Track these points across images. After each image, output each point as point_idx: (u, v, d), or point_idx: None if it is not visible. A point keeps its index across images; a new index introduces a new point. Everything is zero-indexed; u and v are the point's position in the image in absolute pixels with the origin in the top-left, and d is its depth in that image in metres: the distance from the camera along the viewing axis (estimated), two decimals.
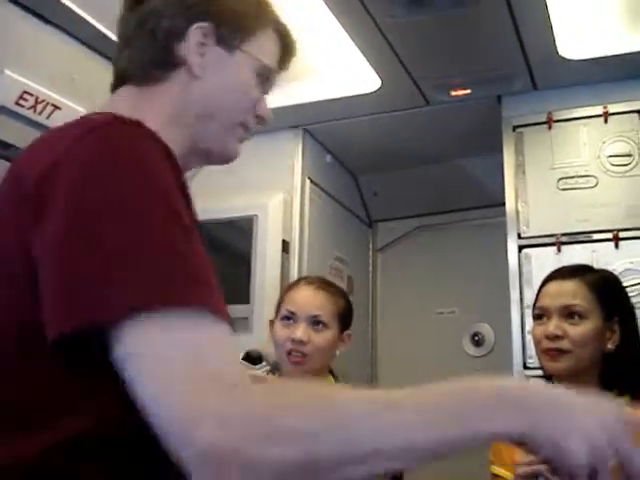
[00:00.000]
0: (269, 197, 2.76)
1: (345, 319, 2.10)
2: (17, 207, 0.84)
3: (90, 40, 2.28)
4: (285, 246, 2.74)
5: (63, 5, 2.08)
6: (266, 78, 1.18)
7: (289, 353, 2.00)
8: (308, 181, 2.95)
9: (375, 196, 3.60)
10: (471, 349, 3.49)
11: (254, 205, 2.74)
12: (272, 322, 2.11)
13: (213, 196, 2.85)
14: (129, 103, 1.09)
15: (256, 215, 2.71)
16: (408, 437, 0.75)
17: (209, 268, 0.84)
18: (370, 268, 3.70)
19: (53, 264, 0.78)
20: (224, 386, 0.73)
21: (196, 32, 1.08)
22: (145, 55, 1.11)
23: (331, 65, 2.57)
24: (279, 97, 2.65)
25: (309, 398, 0.76)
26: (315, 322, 2.02)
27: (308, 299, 2.05)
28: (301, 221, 2.86)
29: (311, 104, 2.72)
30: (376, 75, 2.52)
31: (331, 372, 2.17)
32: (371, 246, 3.74)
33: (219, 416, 0.70)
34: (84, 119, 0.93)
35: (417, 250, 3.68)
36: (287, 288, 2.16)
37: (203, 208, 2.90)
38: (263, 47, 1.16)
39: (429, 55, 2.45)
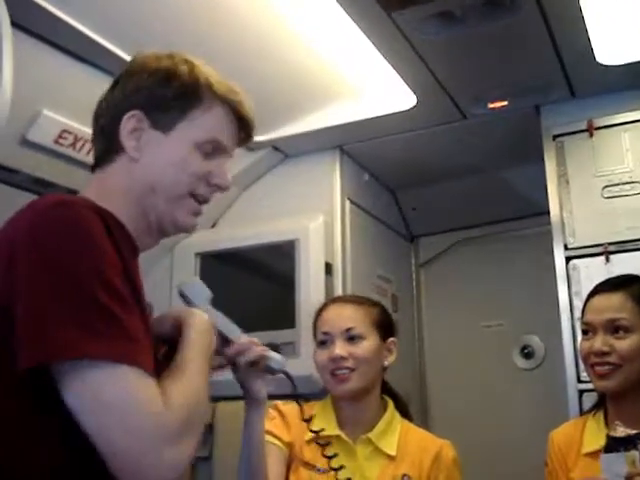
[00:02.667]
0: (310, 220, 2.75)
1: (384, 326, 2.05)
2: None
3: None
4: (328, 268, 2.72)
5: (98, 44, 2.10)
6: (215, 150, 1.28)
7: (333, 374, 1.97)
8: (348, 201, 2.94)
9: (414, 211, 3.57)
10: (521, 362, 3.43)
11: (295, 229, 2.73)
12: (315, 352, 2.09)
13: (254, 221, 2.87)
14: (92, 189, 1.26)
15: (297, 239, 2.70)
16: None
17: (139, 328, 1.05)
18: (414, 284, 3.67)
19: (21, 310, 0.99)
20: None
21: (129, 120, 1.23)
22: (99, 146, 1.30)
23: (366, 85, 2.56)
24: (316, 119, 2.69)
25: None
26: (350, 336, 1.98)
27: (338, 315, 2.03)
28: (343, 242, 2.85)
29: (347, 125, 2.71)
30: (412, 93, 2.50)
31: (389, 390, 2.13)
32: (413, 262, 3.71)
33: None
34: (40, 200, 1.10)
35: (460, 263, 3.64)
36: (316, 314, 2.12)
37: (245, 234, 2.94)
38: (204, 123, 1.27)
39: (464, 70, 2.43)
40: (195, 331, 1.24)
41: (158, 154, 1.25)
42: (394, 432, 1.99)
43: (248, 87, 2.39)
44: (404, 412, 2.10)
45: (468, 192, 3.35)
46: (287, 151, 2.97)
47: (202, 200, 1.30)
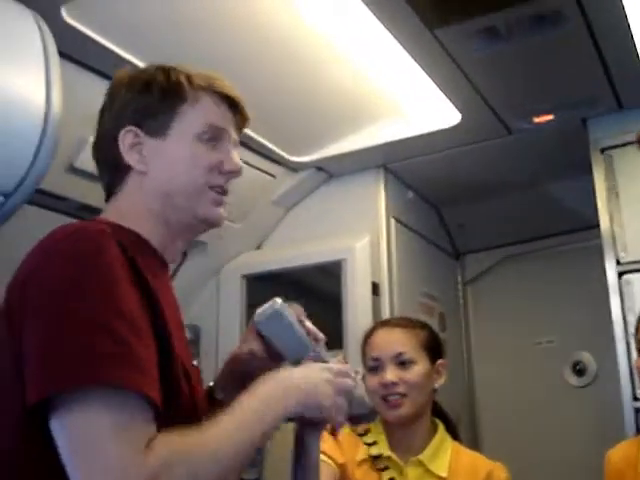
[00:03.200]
0: (355, 239, 2.74)
1: (433, 349, 2.02)
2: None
3: None
4: (375, 288, 2.70)
5: None
6: (216, 136, 1.28)
7: (384, 399, 1.95)
8: (393, 220, 2.92)
9: (460, 228, 3.54)
10: (573, 379, 3.36)
11: (341, 249, 2.72)
12: (364, 377, 2.07)
13: (300, 242, 2.87)
14: (110, 215, 1.26)
15: (344, 259, 2.69)
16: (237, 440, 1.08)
17: (148, 355, 1.03)
18: (460, 302, 3.63)
19: (30, 348, 1.01)
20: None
21: (125, 136, 1.25)
22: (105, 176, 1.31)
23: (409, 103, 2.55)
24: (359, 138, 2.69)
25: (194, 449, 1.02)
26: (401, 361, 1.95)
27: (387, 339, 1.99)
28: (389, 261, 2.83)
29: (391, 143, 2.70)
30: (456, 109, 2.49)
31: (439, 411, 2.10)
32: (460, 279, 3.67)
33: None
34: (56, 231, 1.12)
35: (507, 280, 3.59)
36: (365, 338, 2.10)
37: (291, 254, 2.94)
38: (196, 114, 1.27)
39: (509, 85, 2.41)
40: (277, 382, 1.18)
41: (163, 160, 1.27)
42: (445, 454, 1.97)
43: (291, 107, 2.43)
44: (454, 434, 2.08)
45: (514, 208, 3.32)
46: (331, 171, 2.97)
47: (221, 191, 1.30)
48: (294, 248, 2.86)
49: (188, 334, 2.87)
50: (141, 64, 2.09)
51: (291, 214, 3.05)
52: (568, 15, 2.01)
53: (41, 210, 2.32)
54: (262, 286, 2.86)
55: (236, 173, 1.31)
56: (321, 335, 1.39)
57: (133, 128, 1.26)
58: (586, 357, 3.34)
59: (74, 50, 1.97)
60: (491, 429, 3.48)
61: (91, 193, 2.37)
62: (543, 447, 3.26)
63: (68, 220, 2.37)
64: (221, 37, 2.07)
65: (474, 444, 3.41)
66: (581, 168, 2.69)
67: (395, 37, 2.05)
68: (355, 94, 2.45)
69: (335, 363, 1.29)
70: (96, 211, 2.41)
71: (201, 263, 2.83)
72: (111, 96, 1.31)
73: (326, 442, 1.91)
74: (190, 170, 1.26)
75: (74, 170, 2.26)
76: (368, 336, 2.07)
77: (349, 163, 2.87)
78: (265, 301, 2.78)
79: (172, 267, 2.67)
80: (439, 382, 2.02)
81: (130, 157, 1.25)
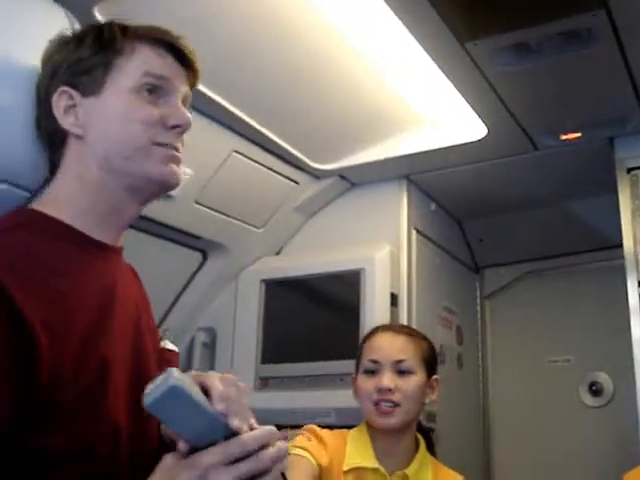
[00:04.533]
0: (376, 249, 2.72)
1: (431, 363, 2.02)
2: None
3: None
4: (393, 299, 2.69)
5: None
6: (156, 88, 1.17)
7: (376, 404, 1.93)
8: (414, 231, 2.91)
9: (481, 242, 3.52)
10: (589, 399, 3.32)
11: (361, 258, 2.71)
12: (354, 379, 2.05)
13: (319, 249, 2.86)
14: (54, 184, 1.18)
15: (363, 268, 2.68)
16: None
17: None
18: (479, 315, 3.60)
19: None
20: None
21: (59, 98, 1.15)
22: (47, 147, 1.21)
23: (435, 115, 2.54)
24: (383, 148, 2.68)
25: None
26: (401, 369, 1.94)
27: (390, 344, 1.98)
28: (409, 273, 2.81)
29: (415, 155, 2.69)
30: (482, 123, 2.47)
31: (420, 427, 2.08)
32: (478, 293, 3.64)
33: None
34: None
35: (527, 296, 3.56)
36: (364, 339, 2.08)
37: (311, 262, 2.93)
38: (132, 65, 1.16)
39: (537, 101, 2.39)
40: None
41: (98, 119, 1.16)
42: (427, 469, 1.97)
43: (317, 114, 2.43)
44: (431, 448, 2.08)
45: (537, 224, 3.29)
46: (354, 180, 2.96)
47: (171, 147, 1.18)
48: (314, 256, 2.86)
49: (205, 337, 2.87)
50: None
51: (312, 221, 3.04)
52: (600, 33, 1.99)
53: None
54: (280, 292, 2.86)
55: (183, 127, 1.19)
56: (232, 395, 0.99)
57: (66, 88, 1.16)
58: (603, 377, 3.30)
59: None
60: (504, 445, 3.44)
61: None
62: (557, 468, 3.22)
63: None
64: (250, 41, 2.06)
65: (486, 461, 3.39)
66: (606, 187, 2.67)
67: (424, 48, 2.04)
68: (381, 103, 2.44)
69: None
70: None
71: (220, 266, 2.83)
72: (43, 64, 1.22)
73: (309, 440, 1.90)
74: (126, 126, 1.14)
75: None
76: (369, 337, 2.06)
77: (372, 172, 2.86)
78: (283, 306, 2.80)
79: (190, 270, 2.71)
80: (431, 397, 2.02)
81: (65, 121, 1.16)
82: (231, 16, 1.95)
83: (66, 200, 1.16)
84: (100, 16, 1.83)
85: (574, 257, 3.41)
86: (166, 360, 1.32)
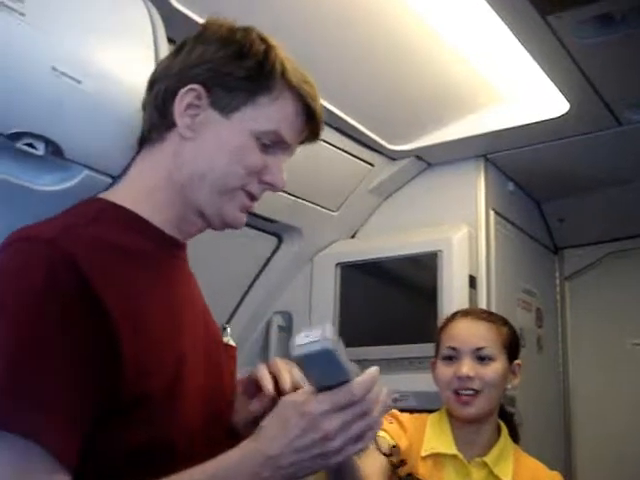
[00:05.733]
0: (453, 231, 2.68)
1: (512, 348, 1.97)
2: None
3: None
4: (472, 281, 2.64)
5: None
6: (275, 143, 1.17)
7: (457, 393, 1.89)
8: (492, 212, 2.84)
9: (561, 222, 3.42)
10: None
11: (438, 240, 2.67)
12: (434, 364, 2.01)
13: (396, 232, 2.83)
14: (137, 169, 1.19)
15: (440, 250, 2.63)
16: None
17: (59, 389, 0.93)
18: (558, 297, 3.51)
19: None
20: None
21: (187, 94, 1.13)
22: (149, 118, 1.20)
23: (514, 91, 2.47)
24: (460, 127, 2.62)
25: None
26: (480, 355, 1.90)
27: (469, 331, 1.94)
28: (487, 254, 2.75)
29: (494, 132, 2.62)
30: (564, 98, 2.39)
31: (502, 412, 2.04)
32: (558, 275, 3.55)
33: None
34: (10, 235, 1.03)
35: (609, 277, 3.45)
36: (443, 325, 2.03)
37: (386, 245, 2.90)
38: (270, 112, 1.15)
39: (621, 74, 2.30)
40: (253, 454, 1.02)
41: (213, 138, 1.15)
42: (508, 458, 1.92)
43: (391, 94, 2.39)
44: (515, 436, 2.03)
45: (620, 202, 3.18)
46: (430, 160, 2.91)
47: (252, 197, 1.20)
48: (390, 238, 2.82)
49: (281, 320, 2.87)
50: None
51: (387, 203, 3.00)
52: None
53: None
54: (356, 275, 2.84)
55: (276, 189, 1.22)
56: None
57: (199, 89, 1.15)
58: None
59: (183, 37, 1.97)
60: (584, 431, 3.35)
61: None
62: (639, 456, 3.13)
63: None
64: (324, 22, 2.04)
65: (566, 445, 3.31)
66: None
67: (504, 21, 1.97)
68: (458, 80, 2.39)
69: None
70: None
71: (295, 249, 2.82)
72: (197, 40, 1.19)
73: (391, 424, 1.89)
74: (233, 163, 1.15)
75: None
76: (447, 323, 2.02)
77: (449, 152, 2.80)
78: (358, 290, 2.78)
79: (266, 255, 2.72)
80: (513, 383, 1.98)
81: (181, 118, 1.15)
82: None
83: (146, 194, 1.16)
84: (178, 4, 1.83)
85: None
86: (230, 357, 1.33)
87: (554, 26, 2.00)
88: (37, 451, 0.90)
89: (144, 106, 1.23)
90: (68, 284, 0.96)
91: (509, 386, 1.97)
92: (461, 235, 2.67)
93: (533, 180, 3.13)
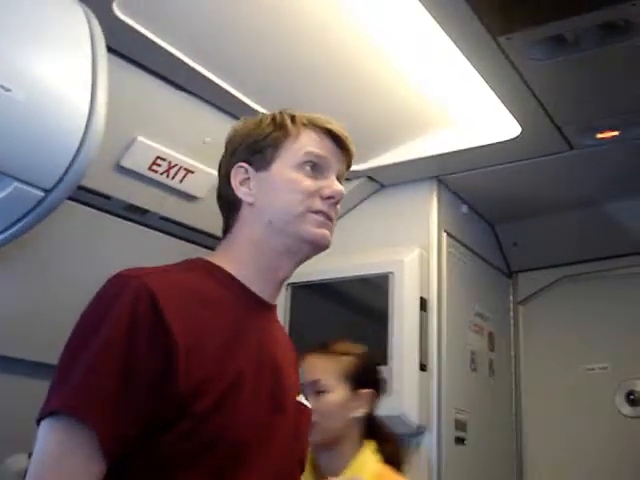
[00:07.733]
0: (405, 253, 2.65)
1: (356, 377, 2.00)
2: None
3: (222, 104, 2.27)
4: (423, 304, 2.61)
5: (194, 70, 2.08)
6: (317, 166, 1.35)
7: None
8: (445, 234, 2.82)
9: (515, 245, 3.42)
10: (626, 409, 3.21)
11: (390, 261, 2.64)
12: None
13: (348, 253, 2.78)
14: (220, 249, 1.38)
15: (392, 272, 2.60)
16: None
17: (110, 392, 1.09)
18: (511, 322, 3.50)
19: None
20: None
21: (236, 172, 1.36)
22: (224, 214, 1.41)
23: (466, 113, 2.46)
24: (413, 148, 2.60)
25: None
26: (316, 389, 1.96)
27: (307, 367, 1.98)
28: (439, 277, 2.73)
29: (446, 154, 2.61)
30: (515, 121, 2.39)
31: (381, 434, 2.04)
32: (511, 298, 3.54)
33: None
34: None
35: (562, 301, 3.45)
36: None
37: (338, 266, 2.85)
38: (297, 146, 1.35)
39: (573, 97, 2.31)
40: None
41: (267, 189, 1.34)
42: (363, 477, 1.91)
43: (344, 114, 2.35)
44: (394, 457, 2.03)
45: (573, 226, 3.19)
46: (383, 181, 2.89)
47: (323, 214, 1.33)
48: (341, 259, 2.78)
49: None
50: (191, 61, 2.05)
51: (339, 224, 2.89)
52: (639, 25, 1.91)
53: (86, 208, 2.30)
54: (306, 296, 2.79)
55: (336, 198, 1.35)
56: None
57: (243, 164, 1.36)
58: None
59: (124, 46, 1.94)
60: (537, 455, 3.34)
61: (137, 193, 2.34)
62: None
63: (114, 220, 2.36)
64: (274, 41, 2.01)
65: (519, 471, 3.29)
66: None
67: (456, 43, 1.97)
68: (410, 102, 2.38)
69: None
70: (143, 211, 2.40)
71: None
72: (227, 143, 1.42)
73: None
74: (288, 195, 1.32)
75: (121, 169, 2.23)
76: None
77: (401, 173, 2.78)
78: (309, 311, 2.73)
79: None
80: (359, 411, 2.00)
81: (240, 191, 1.35)
82: (254, 15, 1.92)
83: (234, 257, 1.34)
84: (120, 13, 1.79)
85: (611, 261, 3.30)
86: (306, 415, 1.45)
87: (505, 48, 1.99)
88: (85, 433, 1.06)
89: (221, 213, 1.43)
90: (145, 311, 1.14)
91: (358, 414, 1.98)
92: (413, 257, 2.65)
93: (487, 203, 3.13)
